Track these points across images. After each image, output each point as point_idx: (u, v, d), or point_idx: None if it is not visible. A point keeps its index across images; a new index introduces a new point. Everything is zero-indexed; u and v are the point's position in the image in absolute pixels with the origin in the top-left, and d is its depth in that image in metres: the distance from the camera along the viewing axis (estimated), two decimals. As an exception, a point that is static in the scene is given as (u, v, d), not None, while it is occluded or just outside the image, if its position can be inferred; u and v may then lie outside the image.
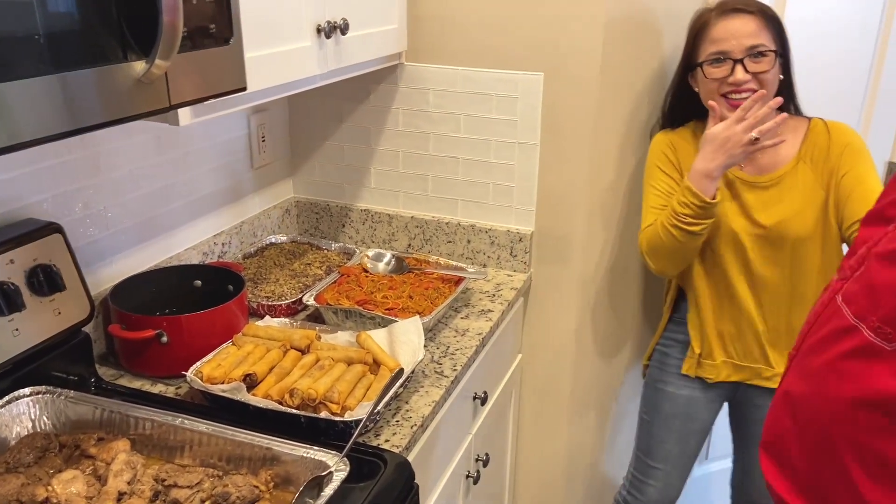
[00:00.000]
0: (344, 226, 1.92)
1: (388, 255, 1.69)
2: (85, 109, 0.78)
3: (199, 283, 1.45)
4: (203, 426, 1.05)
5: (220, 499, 0.94)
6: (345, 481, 0.98)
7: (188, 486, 0.96)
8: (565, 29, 1.57)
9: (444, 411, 1.34)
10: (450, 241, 1.83)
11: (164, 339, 1.25)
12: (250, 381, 1.18)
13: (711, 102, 1.39)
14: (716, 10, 1.41)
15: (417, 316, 1.37)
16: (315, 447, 1.02)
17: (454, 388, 1.36)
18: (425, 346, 1.42)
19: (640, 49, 1.62)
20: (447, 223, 1.81)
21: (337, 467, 0.98)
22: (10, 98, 0.70)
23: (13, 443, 1.05)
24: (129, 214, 1.41)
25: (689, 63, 1.46)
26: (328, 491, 0.94)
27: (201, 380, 1.17)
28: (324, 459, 0.99)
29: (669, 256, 1.48)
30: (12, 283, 1.08)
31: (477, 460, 1.59)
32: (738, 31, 1.36)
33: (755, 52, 1.36)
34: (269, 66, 1.17)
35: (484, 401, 1.55)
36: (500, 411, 1.74)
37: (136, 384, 1.28)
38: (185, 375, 1.19)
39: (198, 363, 1.21)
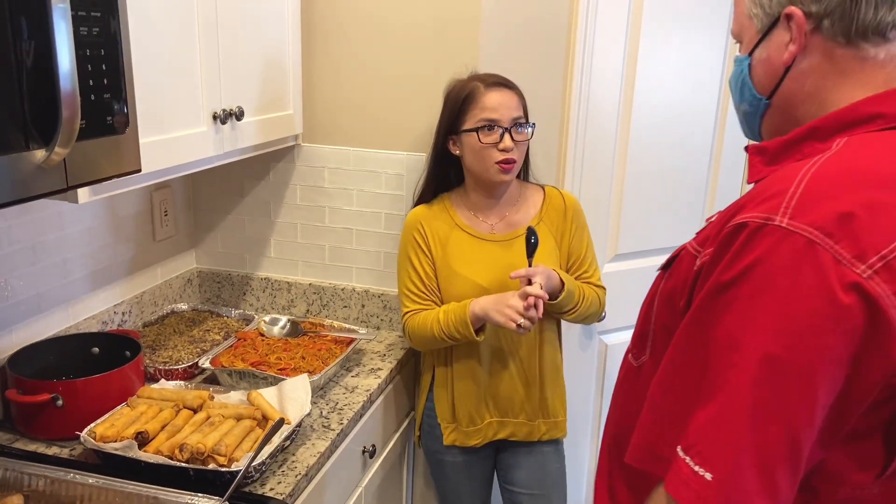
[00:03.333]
0: (245, 293, 2.03)
1: (284, 319, 1.80)
2: (-11, 191, 0.89)
3: (96, 350, 1.52)
4: (92, 480, 1.12)
5: (106, 545, 1.02)
6: (228, 524, 1.07)
7: (75, 535, 1.03)
8: (432, 118, 1.75)
9: (330, 463, 1.44)
10: (346, 306, 1.96)
11: (60, 402, 1.31)
12: (142, 439, 1.26)
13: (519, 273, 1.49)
14: (483, 82, 1.55)
15: (306, 374, 1.49)
16: (199, 495, 1.11)
17: (341, 441, 1.47)
18: (315, 402, 1.53)
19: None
20: (342, 289, 1.95)
21: (219, 511, 1.07)
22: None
23: None
24: (28, 286, 1.48)
25: (454, 128, 1.58)
26: (209, 532, 1.03)
27: (94, 439, 1.25)
28: (207, 504, 1.09)
29: (432, 346, 1.65)
30: None
31: (368, 512, 1.68)
32: (506, 103, 1.54)
33: (519, 123, 1.56)
34: (165, 149, 1.31)
35: (373, 454, 1.66)
36: (392, 466, 1.84)
37: (32, 447, 1.33)
38: (79, 437, 1.26)
39: (91, 424, 1.28)
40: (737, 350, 0.69)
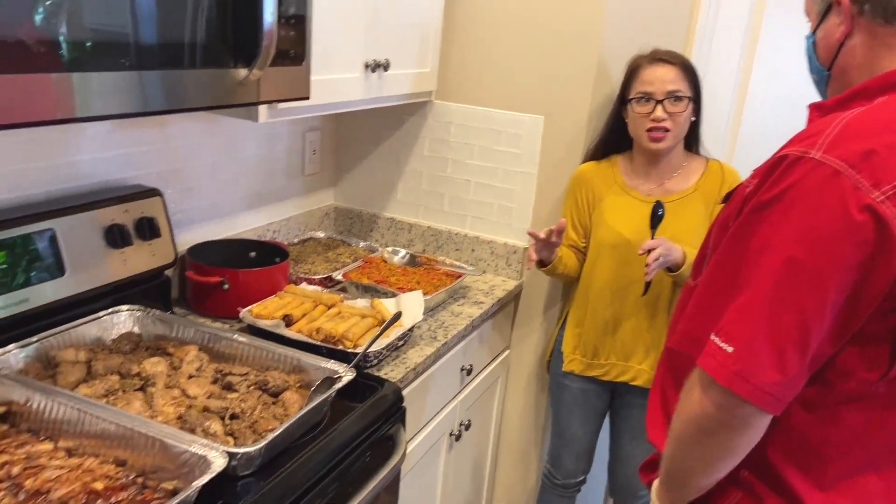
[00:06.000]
0: (372, 230, 2.31)
1: (404, 251, 2.06)
2: (204, 95, 1.18)
3: (253, 254, 1.84)
4: (248, 340, 1.41)
5: (262, 384, 1.30)
6: (349, 389, 1.33)
7: (239, 375, 1.32)
8: (563, 84, 1.96)
9: (434, 367, 1.68)
10: (457, 249, 2.20)
11: (226, 286, 1.63)
12: (288, 321, 1.55)
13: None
14: (647, 58, 1.77)
15: (420, 291, 1.73)
16: (331, 361, 1.37)
17: (444, 352, 1.70)
18: (425, 318, 1.77)
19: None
20: (457, 234, 2.19)
21: (345, 373, 1.33)
22: (168, 80, 1.10)
23: (109, 342, 1.43)
24: (206, 195, 1.82)
25: (623, 98, 1.82)
26: (337, 386, 1.29)
27: (251, 315, 1.55)
28: (336, 368, 1.35)
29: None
30: (125, 226, 1.48)
31: (461, 424, 1.92)
32: (662, 78, 1.72)
33: (673, 96, 1.71)
34: (325, 87, 1.58)
35: (469, 372, 1.88)
36: (485, 390, 2.07)
37: (201, 321, 1.65)
38: (238, 317, 1.56)
39: (249, 306, 1.59)
40: (765, 253, 0.86)
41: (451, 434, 1.87)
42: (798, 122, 2.01)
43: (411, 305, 1.66)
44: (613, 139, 1.88)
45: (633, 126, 1.78)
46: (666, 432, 1.11)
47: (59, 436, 1.13)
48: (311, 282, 1.85)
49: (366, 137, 2.26)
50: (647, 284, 1.74)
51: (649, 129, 1.73)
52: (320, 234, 2.22)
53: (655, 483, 1.14)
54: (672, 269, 1.69)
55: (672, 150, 1.78)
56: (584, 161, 1.94)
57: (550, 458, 2.06)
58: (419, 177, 2.22)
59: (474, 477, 2.15)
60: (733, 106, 1.98)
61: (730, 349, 0.86)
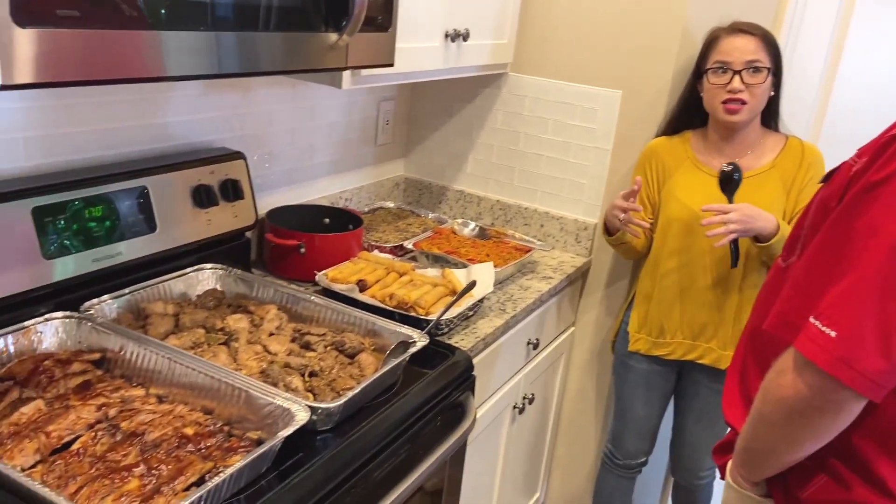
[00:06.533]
0: (441, 202, 2.32)
1: (473, 223, 2.07)
2: (295, 58, 1.20)
3: (327, 220, 1.87)
4: (325, 302, 1.45)
5: (338, 344, 1.33)
6: (420, 356, 1.35)
7: (317, 335, 1.36)
8: (643, 57, 1.92)
9: (502, 339, 1.69)
10: (526, 224, 2.19)
11: (303, 250, 1.67)
12: (361, 286, 1.58)
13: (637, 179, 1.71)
14: (726, 28, 1.70)
15: (491, 263, 1.74)
16: (405, 326, 1.40)
17: (513, 324, 1.71)
18: (493, 291, 1.78)
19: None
20: (526, 208, 2.18)
21: (420, 339, 1.35)
22: (260, 41, 1.13)
23: (194, 297, 1.48)
24: (284, 161, 1.86)
25: (699, 70, 1.75)
26: (412, 350, 1.31)
27: (327, 279, 1.58)
28: (410, 333, 1.37)
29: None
30: (211, 187, 1.53)
31: (524, 398, 1.92)
32: (741, 48, 1.65)
33: (752, 67, 1.65)
34: (407, 55, 1.59)
35: (536, 346, 1.89)
36: (549, 365, 2.07)
37: (279, 283, 1.70)
38: (314, 281, 1.60)
39: (325, 270, 1.63)
40: (874, 236, 0.82)
41: (514, 407, 1.88)
42: (890, 102, 1.92)
43: (482, 277, 1.67)
44: (686, 114, 1.83)
45: (708, 98, 1.72)
46: (744, 412, 1.09)
47: (150, 383, 1.19)
48: (382, 250, 1.88)
49: (438, 109, 2.26)
50: (735, 255, 1.67)
51: (725, 101, 1.67)
52: (390, 204, 2.25)
53: (730, 463, 1.13)
54: (760, 239, 1.64)
55: (748, 125, 1.72)
56: (656, 136, 1.90)
57: (612, 437, 2.06)
58: (490, 150, 2.21)
59: (534, 452, 2.17)
60: (822, 83, 1.90)
61: (832, 333, 0.83)
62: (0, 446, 0.97)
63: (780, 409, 0.93)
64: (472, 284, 1.56)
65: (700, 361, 1.83)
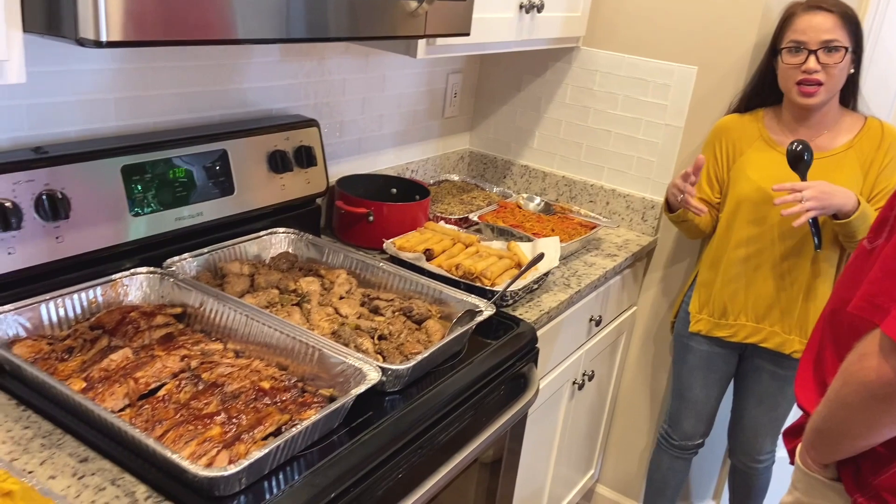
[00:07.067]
0: (505, 177, 2.31)
1: (539, 198, 2.06)
2: (375, 24, 1.22)
3: (394, 190, 1.90)
4: (394, 269, 1.47)
5: (406, 310, 1.36)
6: (484, 326, 1.36)
7: (386, 300, 1.39)
8: (721, 31, 1.86)
9: (566, 314, 1.68)
10: (591, 201, 2.17)
11: (371, 218, 1.69)
12: (428, 255, 1.60)
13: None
14: (802, 5, 1.63)
15: (557, 237, 1.73)
16: (472, 295, 1.41)
17: (577, 300, 1.70)
18: (557, 267, 1.77)
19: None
20: (592, 185, 2.15)
21: (486, 308, 1.36)
22: (342, 6, 1.14)
23: (268, 260, 1.53)
24: (354, 131, 1.88)
25: (774, 48, 1.68)
26: (478, 319, 1.33)
27: (394, 247, 1.61)
28: (477, 303, 1.38)
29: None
30: (286, 153, 1.56)
31: (584, 374, 1.92)
32: (817, 26, 1.58)
33: (829, 46, 1.57)
34: (482, 26, 1.58)
35: (598, 323, 1.88)
36: (609, 343, 2.06)
37: (348, 249, 1.73)
38: (381, 249, 1.63)
39: (392, 238, 1.65)
40: None
41: (574, 382, 1.88)
42: None
43: (548, 251, 1.67)
44: (760, 92, 1.77)
45: (782, 78, 1.66)
46: (817, 396, 1.07)
47: (227, 338, 1.23)
48: (447, 221, 1.89)
49: (506, 83, 2.25)
50: (817, 235, 1.60)
51: (799, 82, 1.61)
52: (454, 177, 2.25)
53: (800, 446, 1.11)
54: (839, 216, 1.58)
55: (824, 106, 1.65)
56: (727, 113, 1.84)
57: (669, 418, 2.04)
58: (558, 125, 2.19)
59: (590, 429, 2.17)
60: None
61: None
62: (91, 389, 1.03)
63: (860, 393, 0.91)
64: (540, 256, 1.56)
65: (763, 345, 1.79)
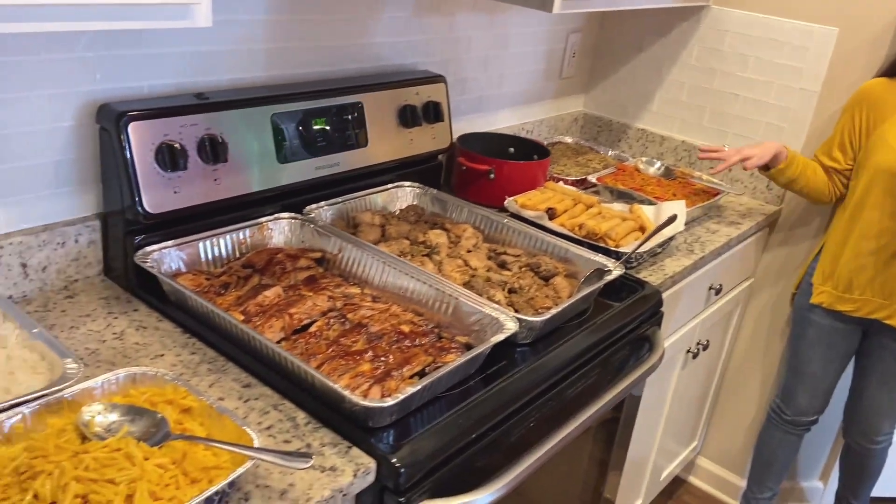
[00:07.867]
0: (619, 140, 2.27)
1: (659, 162, 2.01)
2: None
3: (512, 149, 1.89)
4: (519, 226, 1.48)
5: (534, 266, 1.37)
6: (609, 287, 1.35)
7: (513, 256, 1.40)
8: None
9: (687, 280, 1.65)
10: (712, 167, 2.09)
11: (492, 175, 1.70)
12: (551, 214, 1.60)
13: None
14: None
15: (683, 201, 1.69)
16: (599, 255, 1.40)
17: (699, 266, 1.67)
18: (680, 232, 1.73)
19: None
20: (714, 151, 2.08)
21: (615, 268, 1.35)
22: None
23: (397, 211, 1.56)
24: (476, 88, 1.89)
25: None
26: (608, 278, 1.32)
27: (517, 205, 1.61)
28: (605, 262, 1.38)
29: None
30: (416, 108, 1.58)
31: (699, 343, 1.89)
32: None
33: None
34: (617, -19, 1.55)
35: (718, 292, 1.83)
36: (726, 314, 2.01)
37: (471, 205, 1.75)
38: (499, 207, 1.64)
39: (514, 196, 1.65)
40: None
41: (688, 351, 1.85)
42: None
43: (671, 214, 1.63)
44: None
45: None
46: None
47: (364, 284, 1.28)
48: (566, 181, 1.88)
49: (628, 43, 2.19)
50: None
51: None
52: (568, 139, 2.23)
53: None
54: None
55: None
56: (874, 77, 1.73)
57: (783, 392, 1.98)
58: (680, 88, 2.12)
59: (698, 399, 2.13)
60: None
61: None
62: (249, 322, 1.09)
63: None
64: (673, 218, 1.53)
65: (889, 322, 1.70)
